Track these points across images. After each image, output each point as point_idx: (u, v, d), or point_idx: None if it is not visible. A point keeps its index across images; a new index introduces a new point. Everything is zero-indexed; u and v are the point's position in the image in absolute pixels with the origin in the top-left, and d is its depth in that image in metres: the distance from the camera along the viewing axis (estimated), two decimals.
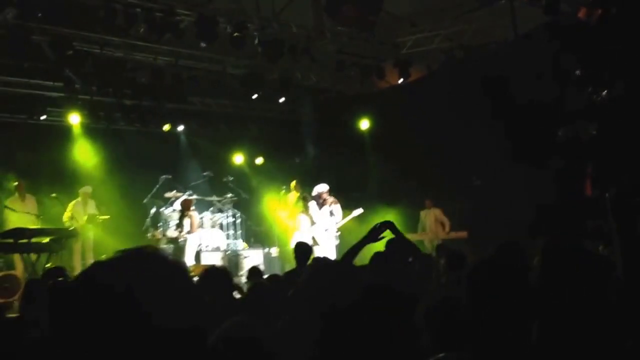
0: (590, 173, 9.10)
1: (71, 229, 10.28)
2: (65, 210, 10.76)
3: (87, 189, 11.10)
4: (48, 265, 9.00)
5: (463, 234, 10.91)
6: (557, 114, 9.49)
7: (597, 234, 7.68)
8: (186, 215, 10.41)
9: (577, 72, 9.40)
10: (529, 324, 2.17)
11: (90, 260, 10.73)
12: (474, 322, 2.03)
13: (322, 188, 9.55)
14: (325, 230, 9.45)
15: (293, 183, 11.60)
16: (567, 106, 9.40)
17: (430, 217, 11.46)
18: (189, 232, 10.26)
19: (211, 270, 3.70)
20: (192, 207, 10.83)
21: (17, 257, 9.50)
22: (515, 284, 2.13)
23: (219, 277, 3.37)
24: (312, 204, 9.61)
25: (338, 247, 9.68)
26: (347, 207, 9.98)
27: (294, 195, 11.44)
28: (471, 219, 10.85)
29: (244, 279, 8.46)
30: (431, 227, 11.37)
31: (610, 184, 8.42)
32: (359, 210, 9.92)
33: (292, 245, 9.35)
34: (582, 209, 8.60)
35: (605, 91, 9.25)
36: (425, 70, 11.45)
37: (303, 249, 6.13)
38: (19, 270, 9.43)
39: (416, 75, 11.30)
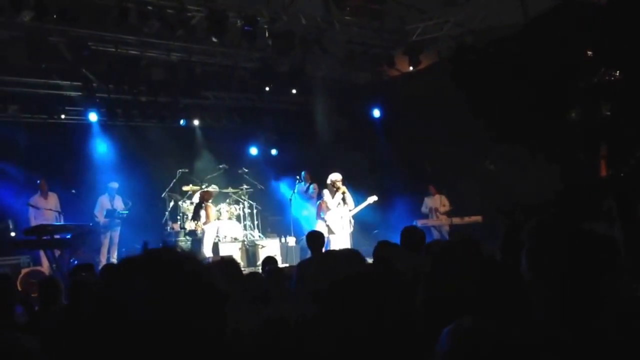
0: (604, 154, 9.07)
1: (92, 224, 10.58)
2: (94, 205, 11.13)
3: (114, 184, 11.37)
4: (72, 260, 9.30)
5: (478, 218, 10.95)
6: (570, 95, 9.47)
7: (610, 215, 7.71)
8: (202, 207, 10.61)
9: (589, 52, 9.37)
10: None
11: (115, 255, 11.01)
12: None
13: (335, 177, 9.64)
14: (340, 217, 9.56)
15: (304, 174, 11.70)
16: (579, 87, 9.37)
17: (437, 202, 11.51)
18: (204, 224, 10.47)
19: (219, 262, 3.83)
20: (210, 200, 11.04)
21: (42, 253, 9.81)
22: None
23: (227, 268, 3.49)
24: (326, 192, 9.72)
25: (352, 235, 9.80)
26: (360, 195, 10.08)
27: (307, 185, 11.56)
28: (486, 203, 10.88)
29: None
30: (440, 212, 11.45)
31: (624, 164, 8.44)
32: (373, 198, 9.99)
33: None
34: (596, 190, 8.60)
35: (618, 71, 9.21)
36: (435, 57, 11.46)
37: (315, 238, 6.23)
38: (44, 265, 9.73)
39: (426, 63, 11.32)
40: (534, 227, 2.03)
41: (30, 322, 4.09)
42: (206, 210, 10.52)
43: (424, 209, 11.73)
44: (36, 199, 10.52)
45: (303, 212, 11.19)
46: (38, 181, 10.61)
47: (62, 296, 4.69)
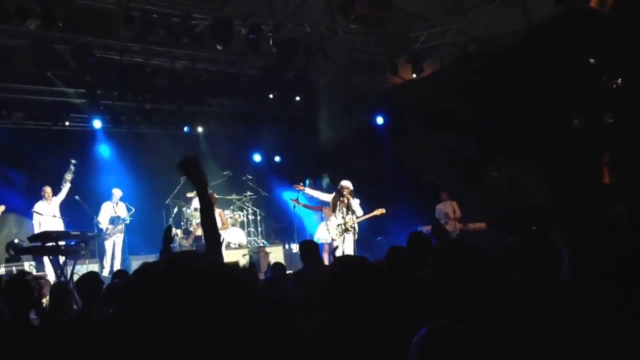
0: (607, 161, 9.10)
1: (96, 231, 10.63)
2: (98, 212, 11.17)
3: (117, 191, 11.41)
4: (77, 267, 9.32)
5: (482, 225, 10.98)
6: (572, 102, 9.51)
7: (617, 221, 7.72)
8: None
9: (591, 60, 9.41)
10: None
11: (119, 262, 11.03)
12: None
13: (344, 182, 9.66)
14: (344, 223, 9.57)
15: (309, 181, 11.71)
16: (582, 95, 9.41)
17: (448, 209, 11.53)
18: (220, 229, 10.53)
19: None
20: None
21: (46, 260, 9.84)
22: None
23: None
24: (331, 196, 9.76)
25: (356, 242, 9.80)
26: (363, 202, 10.10)
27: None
28: (489, 210, 10.91)
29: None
30: (449, 219, 11.46)
31: (627, 171, 8.46)
32: (381, 210, 10.00)
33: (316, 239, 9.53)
34: (600, 197, 8.61)
35: (620, 79, 9.25)
36: (438, 65, 11.52)
37: (308, 247, 6.18)
38: (48, 272, 9.74)
39: (430, 70, 11.37)
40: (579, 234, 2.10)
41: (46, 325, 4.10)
42: (220, 216, 10.62)
43: (437, 215, 11.67)
44: (41, 206, 10.56)
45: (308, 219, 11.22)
46: (42, 188, 10.64)
47: (73, 301, 4.74)
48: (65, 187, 10.71)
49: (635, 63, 8.68)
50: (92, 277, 4.88)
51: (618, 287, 1.97)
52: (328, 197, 9.80)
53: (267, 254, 10.88)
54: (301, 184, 10.63)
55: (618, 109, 8.97)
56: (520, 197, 9.86)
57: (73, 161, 10.77)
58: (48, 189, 10.64)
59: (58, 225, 10.40)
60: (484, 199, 10.97)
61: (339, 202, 9.55)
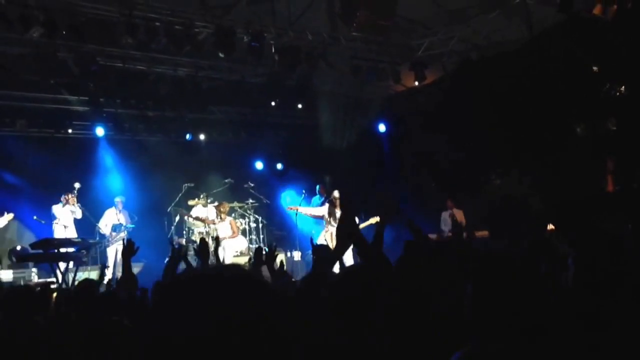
0: (611, 169, 9.07)
1: (97, 238, 10.66)
2: (100, 219, 11.21)
3: (120, 198, 11.43)
4: (79, 273, 9.33)
5: (484, 233, 10.90)
6: (575, 110, 9.49)
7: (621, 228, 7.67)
8: (223, 220, 10.75)
9: (594, 68, 9.40)
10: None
11: (121, 269, 11.00)
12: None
13: (336, 194, 9.68)
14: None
15: (319, 187, 11.68)
16: (585, 102, 9.39)
17: (453, 217, 11.45)
18: (231, 237, 10.64)
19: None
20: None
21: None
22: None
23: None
24: (329, 206, 9.78)
25: (354, 250, 9.77)
26: (367, 210, 10.07)
27: (322, 198, 11.55)
28: (492, 218, 10.85)
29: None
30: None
31: (631, 179, 8.42)
32: (376, 219, 9.98)
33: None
34: (604, 205, 8.57)
35: (623, 87, 9.23)
36: (440, 72, 11.52)
37: (322, 252, 6.21)
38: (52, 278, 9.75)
39: (432, 78, 11.37)
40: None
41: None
42: (231, 224, 10.65)
43: (442, 226, 11.60)
44: (57, 209, 10.65)
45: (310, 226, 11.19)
46: (62, 194, 10.70)
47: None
48: (78, 211, 10.78)
49: (638, 71, 8.66)
50: (88, 285, 4.84)
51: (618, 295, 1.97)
52: (321, 211, 9.82)
53: None
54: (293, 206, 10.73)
55: (621, 117, 8.95)
56: (523, 204, 9.82)
57: (76, 185, 10.82)
58: (71, 197, 10.69)
59: (70, 233, 10.50)
60: (486, 207, 10.92)
61: (335, 212, 9.58)
